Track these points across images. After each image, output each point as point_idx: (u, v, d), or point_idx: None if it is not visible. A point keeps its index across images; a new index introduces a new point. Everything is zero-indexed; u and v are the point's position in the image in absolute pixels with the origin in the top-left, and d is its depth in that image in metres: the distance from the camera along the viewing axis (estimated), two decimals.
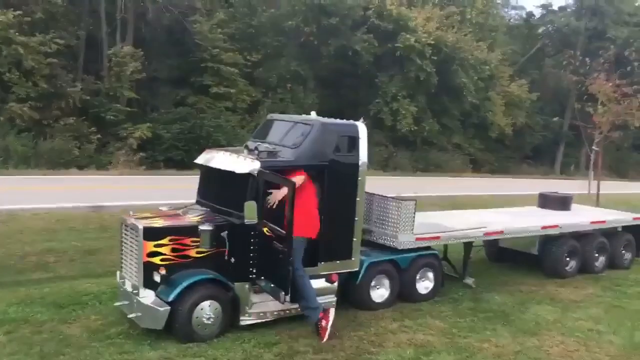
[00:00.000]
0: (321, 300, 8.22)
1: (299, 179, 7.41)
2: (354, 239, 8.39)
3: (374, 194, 9.35)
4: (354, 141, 8.31)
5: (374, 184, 9.95)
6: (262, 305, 7.89)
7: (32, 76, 23.63)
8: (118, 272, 8.06)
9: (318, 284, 8.13)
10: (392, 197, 9.29)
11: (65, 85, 24.46)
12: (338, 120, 8.83)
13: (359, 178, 8.32)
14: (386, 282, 9.04)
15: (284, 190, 7.15)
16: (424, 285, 9.51)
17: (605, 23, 43.50)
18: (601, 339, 8.36)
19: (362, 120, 8.68)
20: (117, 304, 7.92)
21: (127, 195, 15.92)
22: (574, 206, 13.58)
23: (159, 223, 7.54)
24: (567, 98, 42.28)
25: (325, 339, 7.51)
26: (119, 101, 26.36)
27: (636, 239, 13.02)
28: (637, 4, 47.67)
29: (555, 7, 48.22)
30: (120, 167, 23.34)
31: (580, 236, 11.90)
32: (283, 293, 7.24)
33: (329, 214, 8.05)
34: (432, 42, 32.24)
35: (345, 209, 8.27)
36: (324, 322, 7.60)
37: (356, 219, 8.37)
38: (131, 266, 7.56)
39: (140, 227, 7.25)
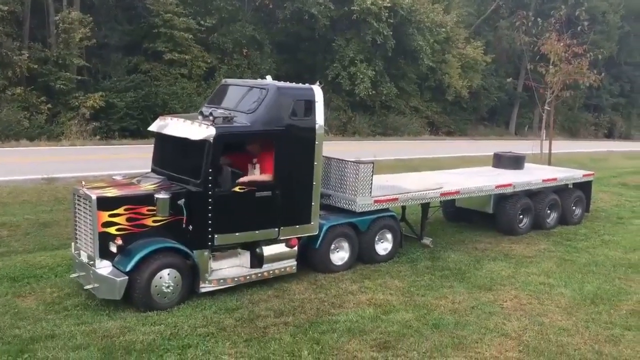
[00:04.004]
0: (281, 265, 8.30)
1: (267, 177, 7.95)
2: (313, 204, 8.44)
3: (331, 158, 9.36)
4: (310, 105, 8.28)
5: (334, 148, 9.98)
6: (221, 272, 7.91)
7: None
8: (72, 244, 7.92)
9: (278, 248, 8.19)
10: (350, 161, 9.32)
11: (10, 54, 23.35)
12: (294, 84, 8.76)
13: (316, 142, 8.32)
14: (345, 245, 9.14)
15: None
16: (383, 246, 9.66)
17: None
18: (552, 291, 8.69)
19: (318, 83, 8.63)
20: (72, 275, 7.81)
21: (81, 166, 15.55)
22: (527, 165, 13.93)
23: (112, 192, 7.40)
24: (521, 59, 42.82)
25: None
26: (68, 69, 25.38)
27: (586, 195, 13.49)
28: None
29: None
30: (72, 138, 22.66)
31: (532, 194, 12.24)
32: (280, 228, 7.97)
33: (287, 179, 8.05)
34: (389, 5, 31.97)
35: (303, 173, 8.28)
36: None
37: (314, 183, 8.40)
38: (86, 237, 7.43)
39: (94, 197, 7.11)
